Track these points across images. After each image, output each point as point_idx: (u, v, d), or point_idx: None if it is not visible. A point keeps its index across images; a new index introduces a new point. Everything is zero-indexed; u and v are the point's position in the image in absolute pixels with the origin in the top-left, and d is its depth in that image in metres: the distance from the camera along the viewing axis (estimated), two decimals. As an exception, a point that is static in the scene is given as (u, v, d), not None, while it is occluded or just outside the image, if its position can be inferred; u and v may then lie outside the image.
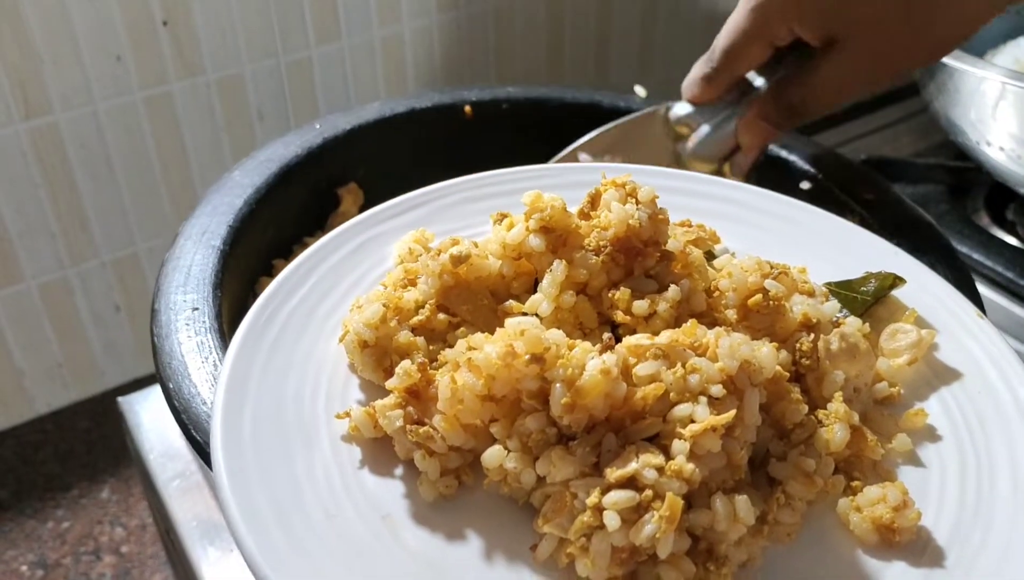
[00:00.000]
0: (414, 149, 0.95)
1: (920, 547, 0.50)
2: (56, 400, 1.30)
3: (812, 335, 0.57)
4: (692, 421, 0.49)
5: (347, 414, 0.54)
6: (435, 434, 0.52)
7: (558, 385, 0.49)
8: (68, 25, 1.10)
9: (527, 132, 0.96)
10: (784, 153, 0.89)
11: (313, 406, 0.54)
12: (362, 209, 0.93)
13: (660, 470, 0.48)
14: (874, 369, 0.59)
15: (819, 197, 0.86)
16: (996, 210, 1.17)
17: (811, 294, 0.60)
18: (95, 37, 1.12)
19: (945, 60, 0.97)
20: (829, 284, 0.64)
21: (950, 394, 0.58)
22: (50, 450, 1.27)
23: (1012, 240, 1.11)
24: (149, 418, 0.93)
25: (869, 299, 0.64)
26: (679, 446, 0.48)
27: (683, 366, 0.50)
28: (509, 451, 0.51)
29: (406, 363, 0.54)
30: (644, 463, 0.48)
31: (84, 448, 1.27)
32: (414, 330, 0.57)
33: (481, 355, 0.50)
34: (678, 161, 0.86)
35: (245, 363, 0.54)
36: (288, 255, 0.87)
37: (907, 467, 0.55)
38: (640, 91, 0.99)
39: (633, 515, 0.47)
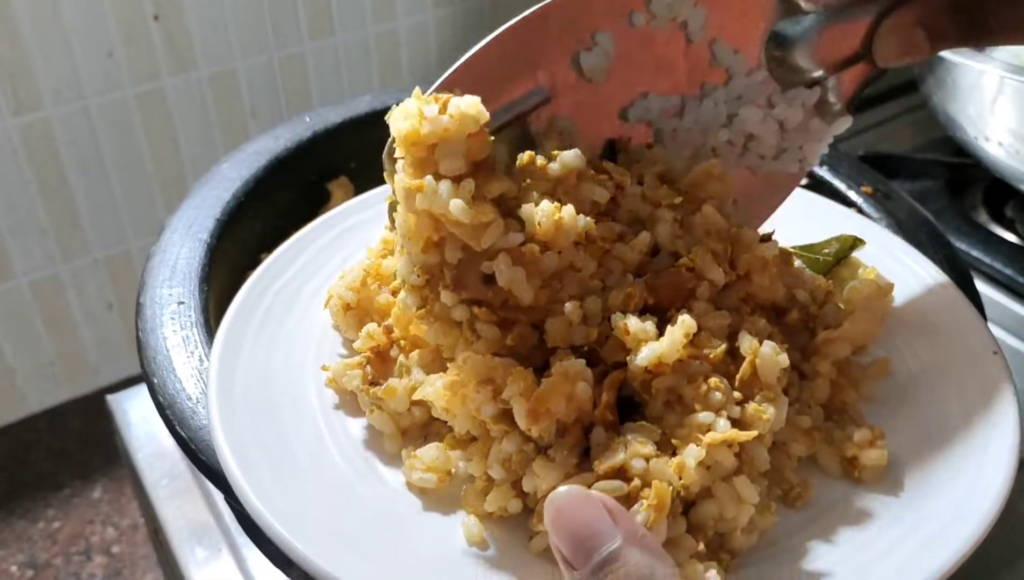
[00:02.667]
0: None
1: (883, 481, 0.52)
2: (48, 398, 1.29)
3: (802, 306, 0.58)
4: (710, 429, 0.48)
5: (327, 368, 0.57)
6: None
7: (517, 398, 0.48)
8: (58, 20, 1.08)
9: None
10: (780, 147, 0.88)
11: (302, 363, 0.57)
12: (353, 204, 0.92)
13: (648, 459, 0.47)
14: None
15: (816, 192, 0.85)
16: (995, 206, 1.15)
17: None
18: (86, 33, 1.10)
19: (943, 54, 0.95)
20: (794, 248, 0.64)
21: (907, 343, 0.60)
22: (42, 449, 1.25)
23: (1011, 237, 1.09)
24: (138, 416, 0.91)
25: (831, 260, 0.66)
26: (692, 452, 0.47)
27: (706, 382, 0.49)
28: (493, 478, 0.50)
29: (371, 326, 0.56)
30: (632, 453, 0.47)
31: (77, 447, 1.25)
32: (394, 293, 0.59)
33: (431, 390, 0.50)
34: (774, 43, 0.59)
35: (238, 331, 0.57)
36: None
37: (872, 409, 0.56)
38: None
39: (624, 504, 0.45)
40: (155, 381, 0.60)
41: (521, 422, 0.49)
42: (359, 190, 0.91)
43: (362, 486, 0.51)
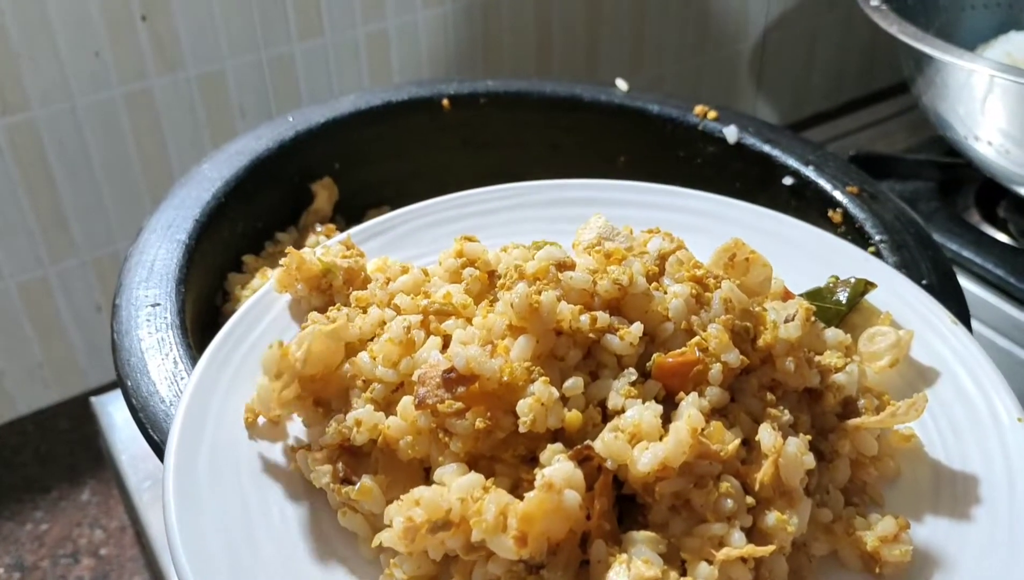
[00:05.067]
0: (390, 142, 0.93)
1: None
2: (37, 401, 1.27)
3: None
4: (722, 543, 0.45)
5: (294, 452, 0.53)
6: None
7: (496, 537, 0.44)
8: (45, 20, 1.06)
9: (506, 125, 0.95)
10: (767, 148, 0.87)
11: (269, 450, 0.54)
12: (336, 205, 0.91)
13: None
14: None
15: (801, 192, 0.84)
16: (987, 207, 1.14)
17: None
18: (73, 32, 1.08)
19: (933, 53, 0.94)
20: (801, 296, 0.61)
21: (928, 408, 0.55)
22: (30, 451, 1.24)
23: (1003, 237, 1.08)
24: (122, 419, 0.90)
25: (844, 309, 0.62)
26: (704, 571, 0.44)
27: (717, 487, 0.46)
28: None
29: (339, 418, 0.52)
30: (637, 577, 0.43)
31: (65, 449, 1.23)
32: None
33: (386, 536, 0.47)
34: None
35: (201, 405, 0.54)
36: (259, 251, 0.84)
37: (891, 488, 0.53)
38: (621, 84, 0.96)
39: None
40: (128, 384, 0.60)
41: (507, 551, 0.44)
42: (343, 191, 0.90)
43: None
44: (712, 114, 0.90)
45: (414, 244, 0.68)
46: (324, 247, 0.65)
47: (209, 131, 1.22)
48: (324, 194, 0.89)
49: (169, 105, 1.18)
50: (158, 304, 0.65)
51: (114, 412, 0.91)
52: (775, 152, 0.87)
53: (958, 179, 1.17)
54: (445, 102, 0.93)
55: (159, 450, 0.56)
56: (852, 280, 0.63)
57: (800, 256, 0.66)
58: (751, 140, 0.87)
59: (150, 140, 1.20)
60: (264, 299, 0.63)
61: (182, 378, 0.60)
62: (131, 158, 1.20)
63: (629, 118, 0.92)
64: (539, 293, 0.52)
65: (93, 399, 0.93)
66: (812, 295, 0.63)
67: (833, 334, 0.59)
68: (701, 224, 0.68)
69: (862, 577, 0.50)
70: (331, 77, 1.27)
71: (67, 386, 1.28)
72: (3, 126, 1.09)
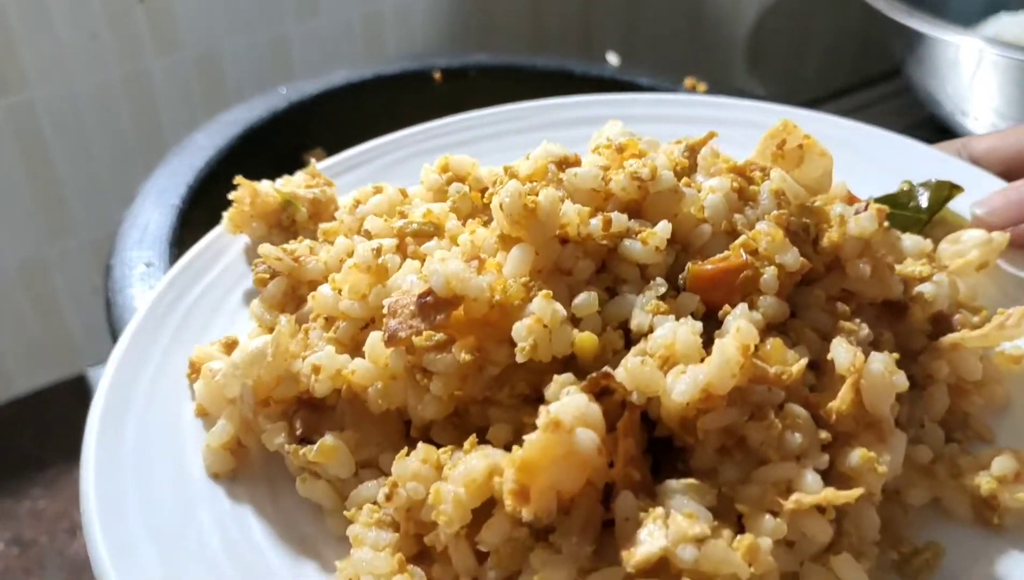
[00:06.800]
0: (382, 115, 0.83)
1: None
2: (34, 380, 1.22)
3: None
4: (791, 488, 0.31)
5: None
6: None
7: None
8: (43, 3, 1.00)
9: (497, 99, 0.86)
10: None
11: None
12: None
13: (700, 543, 0.30)
14: None
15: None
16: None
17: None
18: (71, 15, 1.02)
19: (922, 29, 0.86)
20: (874, 201, 0.46)
21: None
22: (28, 430, 1.19)
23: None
24: None
25: (924, 216, 0.48)
26: (768, 526, 0.31)
27: (779, 417, 0.33)
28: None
29: (297, 364, 0.39)
30: (677, 538, 0.30)
31: (62, 428, 1.15)
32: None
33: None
34: None
35: (130, 373, 0.44)
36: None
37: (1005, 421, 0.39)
38: (612, 59, 0.89)
39: None
40: None
41: (509, 506, 0.31)
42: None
43: None
44: (702, 87, 0.84)
45: (398, 178, 0.53)
46: (284, 178, 0.52)
47: (205, 111, 1.14)
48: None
49: (166, 87, 1.11)
50: (152, 264, 0.62)
51: None
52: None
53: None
54: (437, 75, 0.86)
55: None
56: (933, 182, 0.49)
57: (864, 162, 0.51)
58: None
59: (147, 121, 1.12)
60: (215, 244, 0.49)
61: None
62: (128, 138, 1.12)
63: (620, 92, 0.82)
64: (536, 193, 0.38)
65: (91, 370, 0.87)
66: (886, 202, 0.47)
67: (913, 242, 0.44)
68: (739, 136, 0.51)
69: (974, 531, 0.36)
70: (327, 57, 1.19)
71: (64, 365, 1.22)
72: (1, 107, 1.02)
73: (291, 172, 0.82)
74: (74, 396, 1.18)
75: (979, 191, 0.48)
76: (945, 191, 0.47)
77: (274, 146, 0.80)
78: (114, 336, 0.55)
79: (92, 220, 1.15)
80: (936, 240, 0.46)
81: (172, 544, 0.36)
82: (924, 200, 0.47)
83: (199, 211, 0.69)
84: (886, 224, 0.42)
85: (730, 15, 1.40)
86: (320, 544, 0.37)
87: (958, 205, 0.49)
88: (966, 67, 0.88)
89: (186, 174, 0.72)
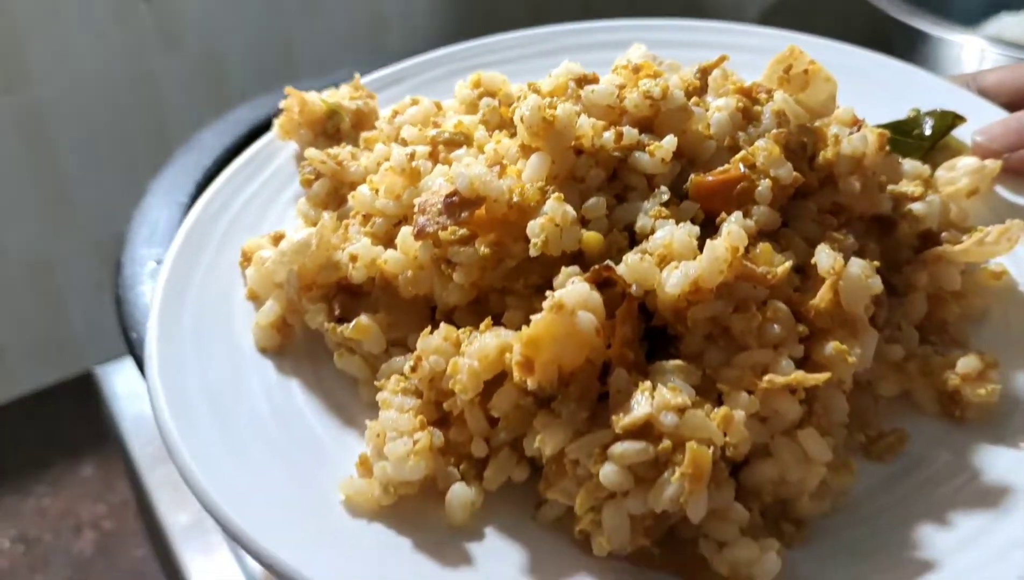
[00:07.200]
0: None
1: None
2: (39, 379, 1.22)
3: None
4: (766, 371, 0.36)
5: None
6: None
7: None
8: (50, 2, 1.02)
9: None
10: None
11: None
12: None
13: (681, 411, 0.34)
14: None
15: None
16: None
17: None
18: (77, 14, 1.04)
19: (924, 28, 0.86)
20: (879, 127, 0.48)
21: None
22: (33, 429, 1.20)
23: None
24: (124, 388, 0.86)
25: (927, 143, 0.51)
26: (743, 400, 0.35)
27: (761, 311, 0.37)
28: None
29: (337, 254, 0.44)
30: (660, 405, 0.34)
31: (67, 426, 1.19)
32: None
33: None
34: None
35: (190, 258, 0.49)
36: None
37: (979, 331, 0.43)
38: None
39: (650, 472, 0.34)
40: (134, 335, 0.56)
41: (516, 376, 0.36)
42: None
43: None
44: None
45: (435, 94, 0.57)
46: (329, 91, 0.56)
47: (210, 110, 1.15)
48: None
49: (171, 86, 1.13)
50: (161, 261, 0.61)
51: (116, 382, 0.86)
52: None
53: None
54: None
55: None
56: (938, 111, 0.52)
57: (875, 90, 0.54)
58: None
59: (152, 120, 1.14)
60: (265, 149, 0.54)
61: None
62: (133, 137, 1.14)
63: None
64: (554, 107, 0.41)
65: (97, 369, 0.87)
66: (891, 128, 0.50)
67: (912, 166, 0.48)
68: (760, 63, 0.54)
69: (939, 423, 0.40)
70: (331, 56, 1.21)
71: (69, 364, 1.23)
72: (8, 106, 1.04)
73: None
74: (79, 394, 1.17)
75: (983, 121, 0.51)
76: (948, 120, 0.51)
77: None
78: (124, 333, 0.58)
79: (97, 218, 1.16)
80: (937, 165, 0.49)
81: (225, 406, 0.42)
82: (928, 128, 0.50)
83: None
84: (887, 148, 0.44)
85: (732, 14, 1.41)
86: (354, 411, 0.42)
87: (963, 134, 0.51)
88: (968, 66, 0.86)
89: (194, 172, 0.72)
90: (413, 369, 0.39)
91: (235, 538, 0.36)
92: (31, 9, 1.02)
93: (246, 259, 0.48)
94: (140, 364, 0.52)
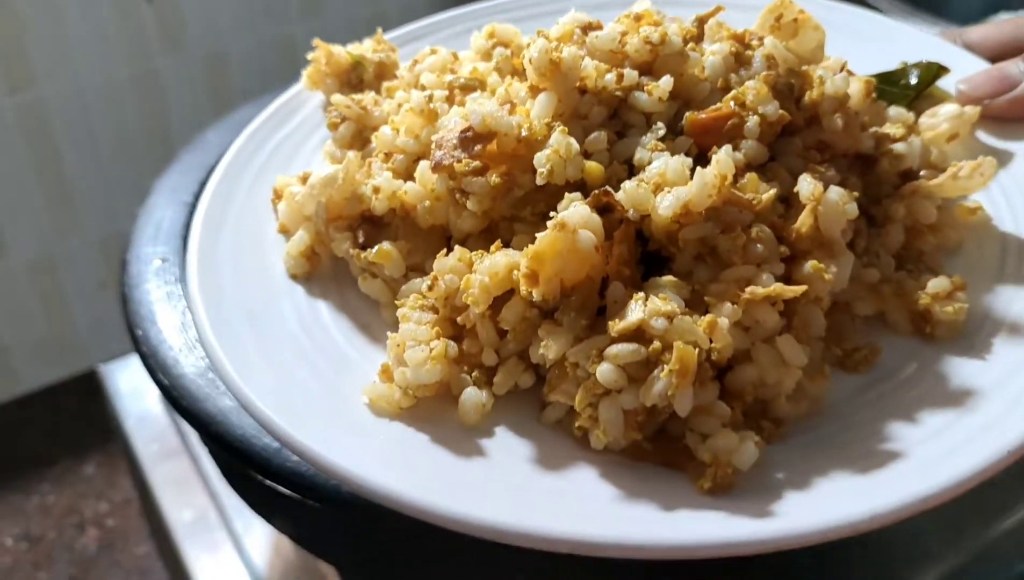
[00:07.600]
0: None
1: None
2: (42, 377, 1.23)
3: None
4: (749, 284, 0.39)
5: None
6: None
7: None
8: (53, 2, 1.04)
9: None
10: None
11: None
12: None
13: (670, 317, 0.38)
14: None
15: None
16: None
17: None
18: (80, 14, 1.06)
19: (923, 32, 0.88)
20: (871, 76, 0.52)
21: (995, 180, 0.49)
22: (36, 427, 1.21)
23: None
24: (128, 385, 0.87)
25: (911, 92, 0.55)
26: (727, 309, 0.39)
27: (746, 233, 0.41)
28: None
29: (361, 189, 0.48)
30: (652, 311, 0.38)
31: (70, 425, 1.20)
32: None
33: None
34: None
35: (227, 191, 0.53)
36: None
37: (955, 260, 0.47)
38: None
39: (642, 372, 0.38)
40: (139, 333, 0.57)
41: (522, 289, 0.40)
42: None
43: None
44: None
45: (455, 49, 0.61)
46: (355, 44, 0.60)
47: (212, 110, 1.19)
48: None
49: (173, 86, 1.15)
50: (167, 259, 0.63)
51: (120, 380, 0.88)
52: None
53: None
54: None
55: (169, 394, 0.53)
56: (924, 63, 0.56)
57: (865, 44, 0.57)
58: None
59: (154, 120, 1.16)
60: (295, 99, 0.58)
61: (190, 327, 0.57)
62: (136, 137, 1.16)
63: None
64: (560, 50, 0.45)
65: (101, 366, 0.89)
66: (880, 78, 0.55)
67: (897, 112, 0.53)
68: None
69: (911, 340, 0.44)
70: None
71: (72, 363, 1.24)
72: (11, 106, 1.06)
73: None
74: (82, 392, 1.19)
75: (967, 72, 0.54)
76: (934, 71, 0.55)
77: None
78: (130, 330, 0.59)
79: (100, 217, 1.18)
80: (922, 112, 0.52)
81: (261, 323, 0.46)
82: (914, 78, 0.53)
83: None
84: (874, 95, 0.48)
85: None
86: (376, 330, 0.47)
87: (947, 85, 0.54)
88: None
89: (198, 171, 0.72)
90: (430, 288, 0.44)
91: (265, 427, 0.40)
92: (35, 9, 1.04)
93: (277, 196, 0.53)
94: (144, 362, 0.56)
